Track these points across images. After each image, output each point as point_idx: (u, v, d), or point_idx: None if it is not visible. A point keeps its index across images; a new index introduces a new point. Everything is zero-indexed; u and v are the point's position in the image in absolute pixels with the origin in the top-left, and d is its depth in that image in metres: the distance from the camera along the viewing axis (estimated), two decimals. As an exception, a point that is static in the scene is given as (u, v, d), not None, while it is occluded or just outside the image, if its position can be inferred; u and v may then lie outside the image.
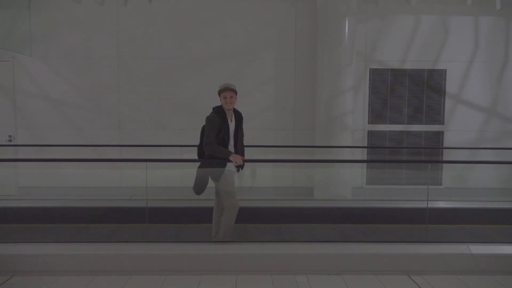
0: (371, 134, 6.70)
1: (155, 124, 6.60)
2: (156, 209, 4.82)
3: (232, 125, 3.86)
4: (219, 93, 3.81)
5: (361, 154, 6.69)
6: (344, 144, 6.07)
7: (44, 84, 6.50)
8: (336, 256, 3.56)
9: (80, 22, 6.48)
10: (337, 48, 5.98)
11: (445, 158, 6.80)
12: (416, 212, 5.13)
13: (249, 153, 4.29)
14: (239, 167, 3.84)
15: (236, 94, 3.82)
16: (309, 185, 6.41)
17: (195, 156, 4.13)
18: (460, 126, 6.69)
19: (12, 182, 6.55)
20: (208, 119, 3.77)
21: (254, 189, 4.22)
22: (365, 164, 6.82)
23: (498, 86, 6.70)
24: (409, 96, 6.65)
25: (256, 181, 4.22)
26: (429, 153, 6.83)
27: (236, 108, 4.00)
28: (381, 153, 6.89)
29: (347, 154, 6.15)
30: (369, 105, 6.67)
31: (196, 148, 4.10)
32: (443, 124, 6.69)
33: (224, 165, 3.79)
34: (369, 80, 6.64)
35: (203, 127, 3.92)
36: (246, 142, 4.13)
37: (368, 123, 6.68)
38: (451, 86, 6.66)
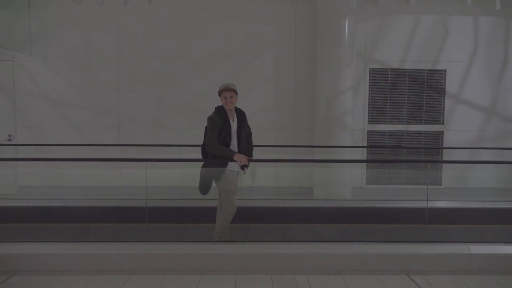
0: (371, 134, 6.70)
1: (155, 123, 6.59)
2: (156, 208, 4.82)
3: (234, 125, 3.84)
4: (219, 93, 3.80)
5: (361, 154, 6.69)
6: (344, 144, 6.07)
7: (44, 83, 6.50)
8: (336, 256, 3.55)
9: (80, 22, 6.47)
10: (337, 48, 5.98)
11: (445, 158, 6.80)
12: (416, 212, 5.12)
13: (249, 153, 4.28)
14: (245, 166, 3.79)
15: (236, 94, 3.80)
16: (309, 185, 6.41)
17: (195, 156, 4.13)
18: (460, 126, 6.69)
19: (12, 181, 6.54)
20: (209, 119, 3.77)
21: (254, 189, 4.23)
22: (365, 164, 6.82)
23: (498, 86, 6.70)
24: (409, 96, 6.65)
25: (256, 180, 4.22)
26: (429, 153, 6.83)
27: (238, 107, 3.98)
28: (381, 153, 6.89)
29: (347, 154, 6.15)
30: (369, 105, 6.66)
31: (200, 148, 4.08)
32: (443, 124, 6.69)
33: (225, 165, 3.78)
34: (369, 80, 6.63)
35: (206, 127, 3.91)
36: None
37: (368, 123, 6.68)
38: (451, 86, 6.66)
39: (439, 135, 6.71)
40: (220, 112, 3.81)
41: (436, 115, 6.68)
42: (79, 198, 5.83)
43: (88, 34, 6.49)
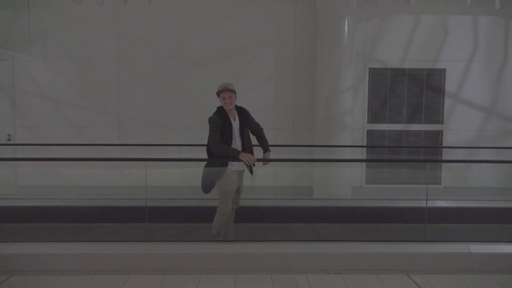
0: (370, 133, 6.70)
1: (154, 123, 6.59)
2: (156, 208, 4.83)
3: (236, 124, 3.82)
4: (218, 94, 3.78)
5: (361, 154, 6.69)
6: (343, 143, 6.07)
7: (44, 83, 6.50)
8: (335, 255, 3.56)
9: (79, 21, 6.47)
10: (336, 48, 5.98)
11: (444, 157, 6.81)
12: (415, 211, 5.13)
13: (248, 153, 4.27)
14: (251, 165, 3.77)
15: (235, 93, 3.78)
16: (309, 185, 6.41)
17: (195, 155, 4.13)
18: (459, 126, 6.70)
19: (12, 181, 6.54)
20: (210, 120, 3.75)
21: (253, 188, 4.23)
22: (364, 163, 6.83)
23: (497, 85, 6.70)
24: (409, 96, 6.65)
25: (255, 180, 4.23)
26: (428, 153, 6.84)
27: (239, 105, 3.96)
28: (381, 153, 6.89)
29: (346, 154, 6.15)
30: (368, 104, 6.67)
31: (206, 147, 4.06)
32: (442, 123, 6.70)
33: (225, 165, 3.77)
34: (369, 79, 6.64)
35: None
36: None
37: (368, 123, 6.69)
38: (450, 86, 6.66)
39: (438, 135, 6.71)
40: (221, 112, 3.80)
41: (435, 114, 6.69)
42: (79, 198, 5.83)
43: (88, 34, 6.49)
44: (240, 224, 4.16)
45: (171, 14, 6.48)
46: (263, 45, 6.59)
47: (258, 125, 4.07)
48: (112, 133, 6.57)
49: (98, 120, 6.56)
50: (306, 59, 6.55)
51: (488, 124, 6.73)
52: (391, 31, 6.59)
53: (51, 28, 6.45)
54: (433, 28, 6.60)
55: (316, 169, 6.28)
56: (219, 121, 3.71)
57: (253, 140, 4.07)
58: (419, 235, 3.96)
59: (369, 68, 6.62)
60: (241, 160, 3.65)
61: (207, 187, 3.86)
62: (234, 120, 3.83)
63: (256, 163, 3.77)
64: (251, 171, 3.90)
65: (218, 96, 3.80)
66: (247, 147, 3.83)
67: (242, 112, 3.91)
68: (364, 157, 6.75)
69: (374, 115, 6.69)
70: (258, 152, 3.93)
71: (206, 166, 3.88)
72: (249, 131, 4.01)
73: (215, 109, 3.89)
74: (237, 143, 3.80)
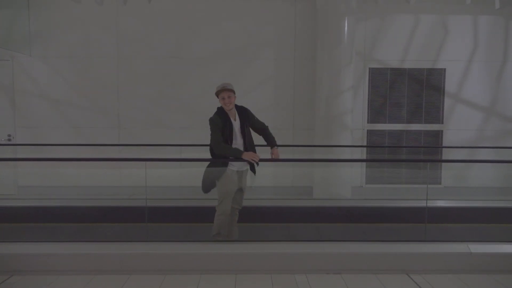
0: (370, 133, 6.70)
1: (154, 123, 6.59)
2: (156, 208, 4.82)
3: (236, 124, 3.80)
4: (217, 94, 3.76)
5: (361, 154, 6.69)
6: (343, 143, 6.07)
7: (44, 83, 6.50)
8: (335, 255, 3.56)
9: (79, 21, 6.47)
10: (336, 48, 5.98)
11: (444, 157, 6.81)
12: (415, 211, 5.13)
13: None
14: (255, 164, 3.76)
15: (234, 93, 3.76)
16: (309, 184, 6.41)
17: (195, 156, 4.12)
18: (459, 125, 6.70)
19: (12, 181, 6.54)
20: (210, 121, 3.75)
21: (253, 188, 4.23)
22: (364, 163, 6.83)
23: (497, 85, 6.70)
24: (409, 95, 6.65)
25: (255, 180, 4.23)
26: (428, 152, 6.84)
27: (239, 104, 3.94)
28: (381, 152, 6.89)
29: (346, 154, 6.15)
30: (368, 104, 6.67)
31: (209, 147, 4.04)
32: (442, 123, 6.70)
33: (226, 165, 3.77)
34: (369, 79, 6.64)
35: None
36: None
37: (368, 122, 6.69)
38: (450, 85, 6.66)
39: (438, 134, 6.71)
40: (221, 112, 3.79)
41: (435, 114, 6.69)
42: (79, 198, 5.83)
43: (87, 33, 6.49)
44: (240, 224, 4.15)
45: (171, 14, 6.48)
46: (263, 45, 6.59)
47: (262, 124, 4.01)
48: (112, 133, 6.57)
49: (98, 120, 6.56)
50: (306, 59, 6.55)
51: (488, 124, 6.73)
52: (391, 31, 6.59)
53: (51, 28, 6.45)
54: (433, 28, 6.60)
55: (316, 169, 6.28)
56: (219, 122, 3.71)
57: (258, 139, 4.04)
58: (419, 235, 3.95)
59: (369, 68, 6.62)
60: (244, 160, 3.65)
61: (207, 187, 3.86)
62: (235, 120, 3.82)
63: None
64: (254, 171, 3.88)
65: (217, 97, 3.78)
66: (249, 147, 3.81)
67: (242, 112, 3.89)
68: (364, 157, 6.75)
69: (374, 115, 6.68)
70: (261, 152, 3.92)
71: (208, 166, 3.88)
72: (254, 130, 3.98)
73: (215, 109, 3.88)
74: (238, 143, 3.78)
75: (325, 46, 6.06)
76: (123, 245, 3.64)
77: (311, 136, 6.46)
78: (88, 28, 6.48)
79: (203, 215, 4.96)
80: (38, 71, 6.48)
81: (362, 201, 6.04)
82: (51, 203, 5.62)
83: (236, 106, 3.89)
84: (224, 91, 3.70)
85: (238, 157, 3.65)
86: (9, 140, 6.53)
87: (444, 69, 6.63)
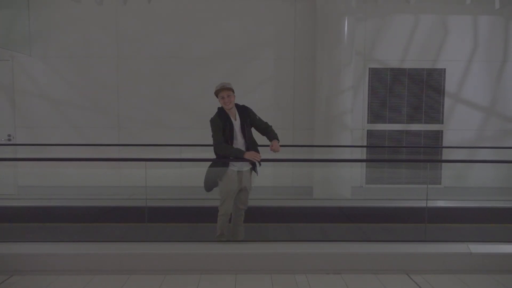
0: (370, 133, 6.70)
1: (154, 123, 6.59)
2: (156, 208, 4.82)
3: (237, 123, 3.76)
4: (216, 94, 3.73)
5: (361, 154, 6.69)
6: (343, 143, 6.07)
7: (43, 83, 6.50)
8: (335, 256, 3.56)
9: (79, 21, 6.47)
10: (336, 48, 5.98)
11: (444, 157, 6.81)
12: (415, 211, 5.13)
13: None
14: (255, 164, 3.74)
15: (233, 92, 3.73)
16: (309, 185, 6.41)
17: (195, 155, 4.12)
18: (459, 125, 6.70)
19: (12, 181, 6.54)
20: (211, 122, 3.73)
21: (253, 188, 4.23)
22: (364, 163, 6.83)
23: (497, 85, 6.70)
24: (409, 96, 6.65)
25: (255, 180, 4.23)
26: (428, 153, 6.84)
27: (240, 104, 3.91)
28: (381, 153, 6.89)
29: (346, 154, 6.15)
30: (368, 104, 6.67)
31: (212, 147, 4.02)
32: (442, 123, 6.70)
33: (226, 165, 3.77)
34: (369, 79, 6.64)
35: None
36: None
37: (368, 123, 6.69)
38: (450, 85, 6.66)
39: (438, 135, 6.71)
40: (221, 112, 3.77)
41: (435, 114, 6.69)
42: (79, 198, 5.84)
43: (87, 33, 6.49)
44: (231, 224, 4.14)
45: (171, 14, 6.48)
46: (263, 45, 6.58)
47: (265, 123, 3.96)
48: (112, 133, 6.57)
49: (98, 120, 6.55)
50: (306, 59, 6.55)
51: (488, 124, 6.73)
52: (391, 31, 6.59)
53: (51, 28, 6.45)
54: (433, 28, 6.60)
55: (316, 169, 6.28)
56: (219, 122, 3.70)
57: (262, 139, 4.01)
58: (419, 235, 3.95)
59: (369, 68, 6.62)
60: (246, 160, 3.64)
61: (209, 186, 3.86)
62: (235, 119, 3.79)
63: (267, 151, 3.74)
64: (256, 171, 3.87)
65: (217, 96, 3.75)
66: (250, 146, 3.78)
67: (243, 111, 3.85)
68: (364, 157, 6.75)
69: (374, 115, 6.68)
70: (262, 152, 3.92)
71: (210, 166, 3.87)
72: (256, 130, 3.93)
73: (215, 109, 3.86)
74: (239, 143, 3.76)
75: (325, 46, 6.06)
76: (123, 245, 3.64)
77: (311, 136, 6.46)
78: (88, 28, 6.48)
79: (203, 215, 4.98)
80: (38, 71, 6.48)
81: (362, 201, 6.05)
82: (51, 203, 5.63)
83: (237, 106, 3.86)
84: (223, 90, 3.68)
85: (239, 157, 3.64)
86: (9, 140, 6.53)
87: (444, 69, 6.63)
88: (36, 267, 3.44)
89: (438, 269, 3.52)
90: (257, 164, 3.78)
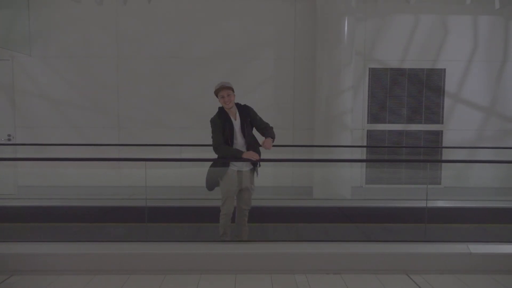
0: (370, 133, 6.70)
1: (154, 123, 6.59)
2: (156, 208, 4.82)
3: (237, 123, 3.75)
4: (216, 93, 3.71)
5: (361, 154, 6.69)
6: (343, 143, 6.07)
7: (43, 83, 6.50)
8: (335, 256, 3.56)
9: (79, 21, 6.47)
10: (336, 48, 5.98)
11: (444, 157, 6.81)
12: (415, 211, 5.13)
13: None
14: (256, 164, 3.74)
15: (233, 91, 3.72)
16: (309, 184, 6.41)
17: (195, 155, 4.12)
18: (459, 125, 6.70)
19: (11, 181, 6.54)
20: (211, 121, 3.73)
21: (253, 188, 4.24)
22: (364, 163, 6.83)
23: (497, 85, 6.70)
24: (408, 96, 6.65)
25: (255, 180, 4.24)
26: (428, 153, 6.84)
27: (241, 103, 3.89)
28: (381, 153, 6.89)
29: (346, 154, 6.15)
30: (368, 104, 6.67)
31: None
32: (442, 123, 6.70)
33: (227, 165, 3.77)
34: (369, 79, 6.64)
35: None
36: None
37: (368, 123, 6.69)
38: (450, 85, 6.66)
39: (438, 135, 6.71)
40: (221, 112, 3.77)
41: (435, 114, 6.69)
42: (79, 198, 5.83)
43: (87, 33, 6.49)
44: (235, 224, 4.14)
45: (171, 14, 6.48)
46: (263, 45, 6.59)
47: (266, 123, 3.92)
48: (112, 133, 6.57)
49: (98, 120, 6.55)
50: (306, 59, 6.55)
51: (488, 124, 6.73)
52: (390, 31, 6.59)
53: (51, 28, 6.45)
54: (433, 28, 6.60)
55: (316, 169, 6.28)
56: (219, 122, 3.69)
57: (262, 139, 3.99)
58: (419, 235, 3.95)
59: (369, 68, 6.62)
60: (244, 160, 3.64)
61: (210, 185, 3.86)
62: (235, 119, 3.77)
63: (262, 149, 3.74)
64: (256, 172, 3.86)
65: (217, 96, 3.74)
66: (250, 146, 3.76)
67: (243, 110, 3.82)
68: (364, 157, 6.75)
69: (374, 115, 6.69)
70: (264, 152, 3.92)
71: (212, 165, 3.88)
72: (257, 129, 3.90)
73: (215, 109, 3.85)
74: (239, 143, 3.75)
75: (325, 46, 6.06)
76: (123, 245, 3.63)
77: (311, 136, 6.46)
78: (88, 28, 6.48)
79: (203, 215, 4.98)
80: (38, 71, 6.48)
81: (362, 201, 6.05)
82: (51, 203, 5.62)
83: (238, 105, 3.84)
84: (223, 89, 3.66)
85: (238, 158, 3.64)
86: (9, 140, 6.53)
87: (444, 69, 6.63)
88: (36, 267, 3.44)
89: (438, 269, 3.52)
90: (257, 165, 3.79)
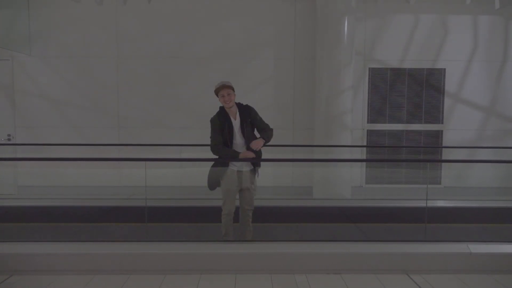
0: (370, 133, 6.70)
1: (154, 123, 6.59)
2: (156, 208, 4.82)
3: (237, 123, 3.73)
4: (216, 92, 3.70)
5: (361, 154, 6.69)
6: (343, 143, 6.07)
7: (43, 83, 6.50)
8: (335, 255, 3.55)
9: (79, 21, 6.47)
10: (336, 47, 5.98)
11: (444, 157, 6.81)
12: (415, 211, 5.12)
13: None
14: (256, 164, 3.75)
15: (233, 90, 3.71)
16: (309, 184, 6.41)
17: (195, 155, 4.12)
18: (459, 125, 6.70)
19: (12, 181, 6.54)
20: (210, 121, 3.75)
21: (254, 188, 4.25)
22: (364, 163, 6.83)
23: (497, 85, 6.70)
24: (408, 95, 6.65)
25: (256, 180, 4.24)
26: (428, 152, 6.84)
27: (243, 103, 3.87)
28: (381, 152, 6.89)
29: (346, 153, 6.15)
30: (368, 104, 6.67)
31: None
32: (442, 123, 6.70)
33: (226, 164, 3.77)
34: (369, 79, 6.64)
35: None
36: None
37: (368, 122, 6.69)
38: (450, 85, 6.66)
39: (438, 134, 6.71)
40: (221, 112, 3.76)
41: (435, 114, 6.69)
42: (79, 198, 5.83)
43: (87, 33, 6.49)
44: (238, 224, 4.14)
45: (171, 14, 6.48)
46: (263, 45, 6.58)
47: (266, 124, 3.86)
48: (112, 133, 6.56)
49: (98, 120, 6.55)
50: (306, 59, 6.55)
51: (488, 123, 6.73)
52: (390, 31, 6.59)
53: (51, 28, 6.45)
54: (433, 27, 6.60)
55: (316, 169, 6.28)
56: (218, 122, 3.69)
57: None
58: (419, 235, 3.95)
59: (369, 68, 6.62)
60: (241, 160, 3.64)
61: (212, 185, 3.86)
62: (235, 119, 3.76)
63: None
64: (257, 172, 3.86)
65: (217, 95, 3.73)
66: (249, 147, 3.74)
67: (244, 110, 3.79)
68: (364, 157, 6.75)
69: (374, 115, 6.68)
70: (264, 153, 3.92)
71: (213, 165, 3.88)
72: (257, 130, 3.87)
73: (215, 109, 3.84)
74: (238, 143, 3.74)
75: (325, 46, 6.06)
76: (123, 245, 3.63)
77: (311, 136, 6.46)
78: (88, 28, 6.48)
79: (203, 215, 4.98)
80: (38, 71, 6.48)
81: (362, 201, 6.04)
82: (51, 203, 5.62)
83: (240, 105, 3.82)
84: (223, 88, 3.65)
85: (235, 158, 3.65)
86: (9, 139, 6.53)
87: (444, 69, 6.63)
88: (36, 267, 3.44)
89: (438, 269, 3.52)
90: (258, 164, 3.79)
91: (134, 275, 3.41)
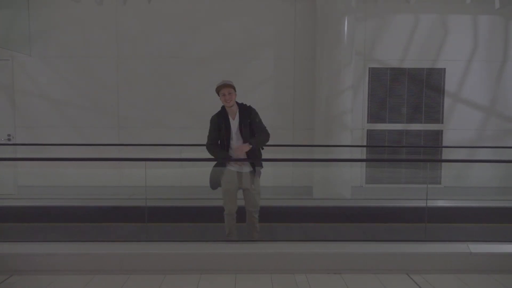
0: (370, 133, 6.70)
1: (154, 123, 6.59)
2: (156, 208, 4.82)
3: (235, 123, 3.70)
4: (217, 91, 3.68)
5: (361, 153, 6.69)
6: (343, 143, 6.07)
7: (43, 83, 6.50)
8: (335, 255, 3.56)
9: (79, 21, 6.47)
10: (336, 47, 5.98)
11: (444, 157, 6.81)
12: (415, 211, 5.13)
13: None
14: (256, 165, 3.74)
15: (234, 89, 3.69)
16: (309, 184, 6.41)
17: (195, 155, 4.12)
18: (459, 125, 6.70)
19: (12, 181, 6.54)
20: (210, 120, 3.76)
21: (254, 189, 4.25)
22: (364, 163, 6.83)
23: (497, 84, 6.70)
24: (408, 95, 6.65)
25: (257, 181, 4.25)
26: (428, 152, 6.84)
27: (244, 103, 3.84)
28: (381, 152, 6.89)
29: (346, 153, 6.15)
30: (368, 104, 6.67)
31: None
32: (442, 123, 6.69)
33: (224, 164, 3.77)
34: (369, 79, 6.64)
35: None
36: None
37: (368, 122, 6.69)
38: (450, 85, 6.66)
39: (438, 134, 6.71)
40: (221, 111, 3.76)
41: (435, 114, 6.69)
42: (79, 198, 5.83)
43: (87, 33, 6.49)
44: (238, 224, 4.14)
45: (171, 14, 6.48)
46: (262, 45, 6.58)
47: (263, 128, 3.81)
48: (112, 133, 6.56)
49: (98, 120, 6.55)
50: (305, 59, 6.55)
51: (488, 123, 6.73)
52: (390, 31, 6.59)
53: (51, 28, 6.44)
54: (432, 27, 6.60)
55: (316, 169, 6.28)
56: (215, 121, 3.70)
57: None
58: (419, 235, 3.95)
59: (369, 68, 6.62)
60: (231, 160, 3.68)
61: (213, 184, 3.87)
62: (234, 119, 3.73)
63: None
64: (258, 173, 3.85)
65: (218, 94, 3.70)
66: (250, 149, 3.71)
67: (244, 111, 3.75)
68: (364, 157, 6.75)
69: (374, 115, 6.68)
70: (264, 152, 3.91)
71: (215, 165, 3.89)
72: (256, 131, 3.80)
73: (215, 109, 3.83)
74: (235, 143, 3.72)
75: (325, 46, 6.06)
76: (123, 245, 3.63)
77: (311, 136, 6.46)
78: (88, 28, 6.48)
79: (203, 214, 4.98)
80: (38, 71, 6.48)
81: (362, 201, 6.04)
82: (51, 203, 5.62)
83: (241, 105, 3.80)
84: (224, 87, 3.63)
85: (226, 158, 3.68)
86: (9, 140, 6.53)
87: (444, 69, 6.63)
88: (36, 267, 3.44)
89: (438, 268, 3.52)
90: (259, 165, 3.79)
91: (134, 275, 3.42)
